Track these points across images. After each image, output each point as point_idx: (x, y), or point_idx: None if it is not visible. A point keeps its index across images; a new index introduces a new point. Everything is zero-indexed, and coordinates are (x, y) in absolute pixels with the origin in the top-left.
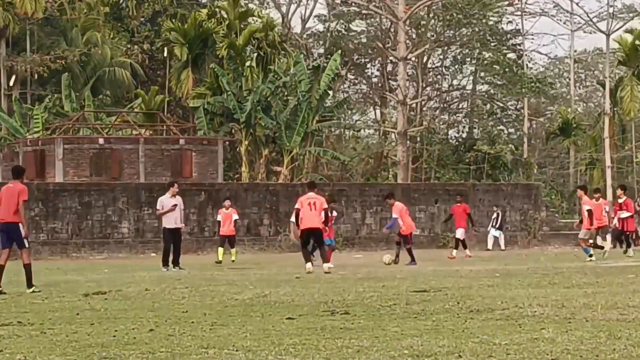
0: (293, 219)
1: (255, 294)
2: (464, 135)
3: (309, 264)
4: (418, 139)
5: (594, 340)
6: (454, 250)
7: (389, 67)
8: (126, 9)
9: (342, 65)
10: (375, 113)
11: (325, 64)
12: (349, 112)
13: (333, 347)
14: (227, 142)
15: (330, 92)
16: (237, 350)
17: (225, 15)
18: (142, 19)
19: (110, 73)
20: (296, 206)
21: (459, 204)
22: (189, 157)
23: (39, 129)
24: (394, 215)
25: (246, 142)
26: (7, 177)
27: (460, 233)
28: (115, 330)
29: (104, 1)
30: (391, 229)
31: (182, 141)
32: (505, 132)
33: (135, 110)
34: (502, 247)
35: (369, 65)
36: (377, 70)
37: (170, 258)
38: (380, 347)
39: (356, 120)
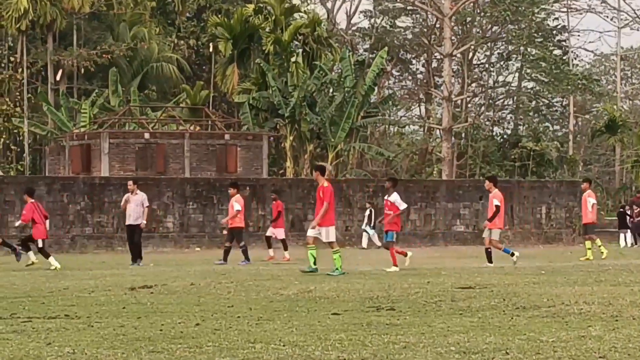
0: None
1: (300, 289)
2: (509, 131)
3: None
4: (463, 135)
5: None
6: (271, 251)
7: (434, 64)
8: (172, 4)
9: (388, 62)
10: (420, 109)
11: (370, 60)
12: (394, 108)
13: (379, 343)
14: (272, 138)
15: (376, 88)
16: (283, 345)
17: (271, 11)
18: (187, 14)
19: (157, 68)
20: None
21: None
22: (234, 152)
23: (85, 123)
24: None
25: (291, 138)
26: (54, 171)
27: (281, 233)
28: (162, 324)
29: None
30: None
31: (227, 136)
32: (551, 129)
33: (181, 105)
34: (377, 244)
35: (414, 62)
36: (423, 66)
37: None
38: (427, 344)
39: (401, 117)
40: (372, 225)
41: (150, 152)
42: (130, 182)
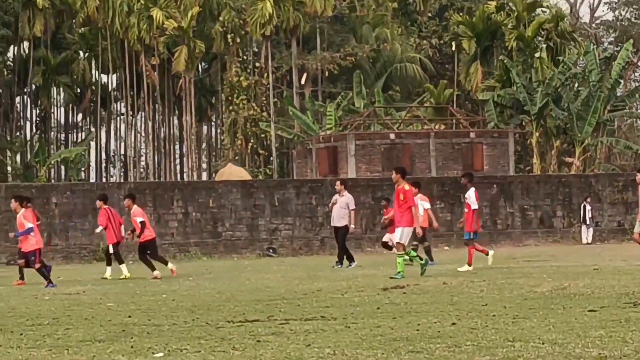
0: None
1: (554, 286)
2: None
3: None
4: None
5: None
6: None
7: None
8: (413, 4)
9: (633, 54)
10: None
11: (615, 53)
12: None
13: None
14: (518, 134)
15: (622, 81)
16: (542, 343)
17: (514, 7)
18: (429, 14)
19: (400, 69)
20: None
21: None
22: (480, 150)
23: (331, 126)
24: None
25: (537, 134)
26: (301, 174)
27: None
28: (418, 324)
29: None
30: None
31: (472, 134)
32: None
33: (425, 104)
34: (589, 240)
35: None
36: None
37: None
38: None
39: None
40: (590, 220)
41: (396, 153)
42: (337, 183)
